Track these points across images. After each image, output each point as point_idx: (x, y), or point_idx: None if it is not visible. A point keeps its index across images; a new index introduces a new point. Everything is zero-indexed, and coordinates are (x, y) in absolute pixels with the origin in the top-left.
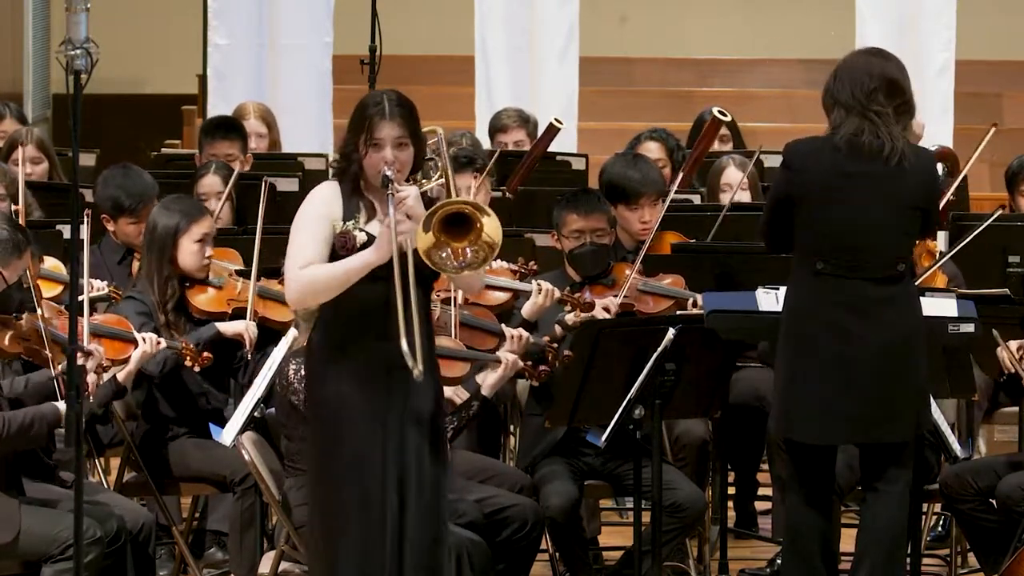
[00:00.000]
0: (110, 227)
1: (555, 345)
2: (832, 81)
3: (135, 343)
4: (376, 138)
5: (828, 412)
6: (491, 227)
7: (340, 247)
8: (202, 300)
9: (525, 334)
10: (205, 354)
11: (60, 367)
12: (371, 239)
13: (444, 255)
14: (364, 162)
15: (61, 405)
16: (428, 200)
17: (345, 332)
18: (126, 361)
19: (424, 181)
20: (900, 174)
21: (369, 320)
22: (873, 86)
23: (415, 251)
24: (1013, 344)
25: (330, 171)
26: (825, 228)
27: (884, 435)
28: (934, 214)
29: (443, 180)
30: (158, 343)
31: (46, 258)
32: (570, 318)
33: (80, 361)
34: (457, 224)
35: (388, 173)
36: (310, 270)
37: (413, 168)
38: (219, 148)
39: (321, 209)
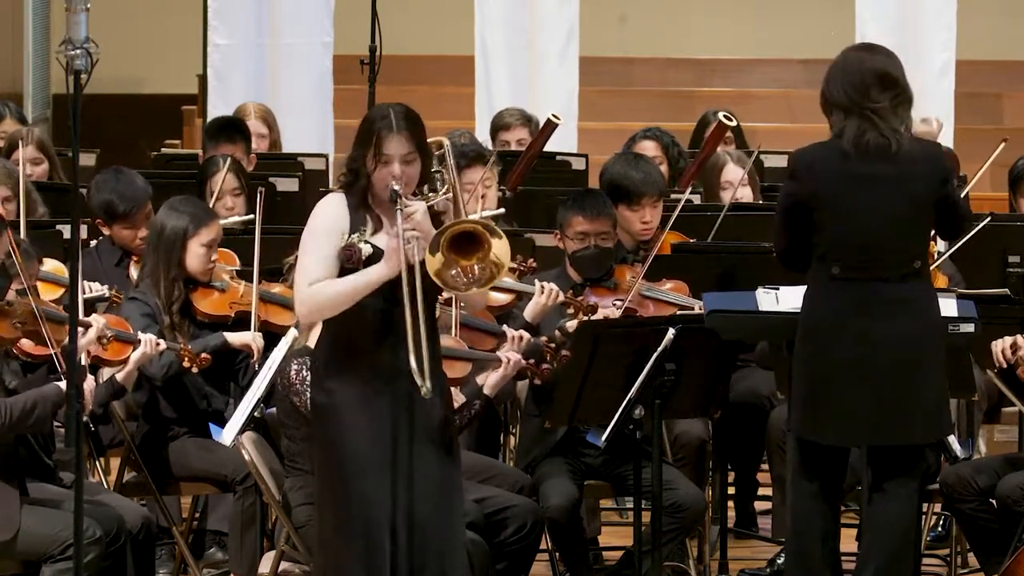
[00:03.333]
0: (105, 231)
1: (553, 345)
2: (826, 84)
3: (134, 344)
4: (384, 154)
5: (847, 413)
6: (500, 248)
7: (346, 260)
8: (206, 303)
9: (526, 335)
10: (203, 355)
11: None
12: (376, 251)
13: (454, 273)
14: (372, 177)
15: (63, 384)
16: (433, 213)
17: (350, 340)
18: (125, 362)
19: (431, 195)
20: (910, 169)
21: (374, 328)
22: (866, 82)
23: (423, 268)
24: (1008, 339)
25: (330, 173)
26: (839, 232)
27: (903, 437)
28: (954, 208)
29: (450, 194)
30: (157, 344)
31: (46, 260)
32: (570, 325)
33: (81, 335)
34: (465, 242)
35: (396, 188)
36: (319, 287)
37: (420, 181)
38: (223, 150)
39: (329, 224)
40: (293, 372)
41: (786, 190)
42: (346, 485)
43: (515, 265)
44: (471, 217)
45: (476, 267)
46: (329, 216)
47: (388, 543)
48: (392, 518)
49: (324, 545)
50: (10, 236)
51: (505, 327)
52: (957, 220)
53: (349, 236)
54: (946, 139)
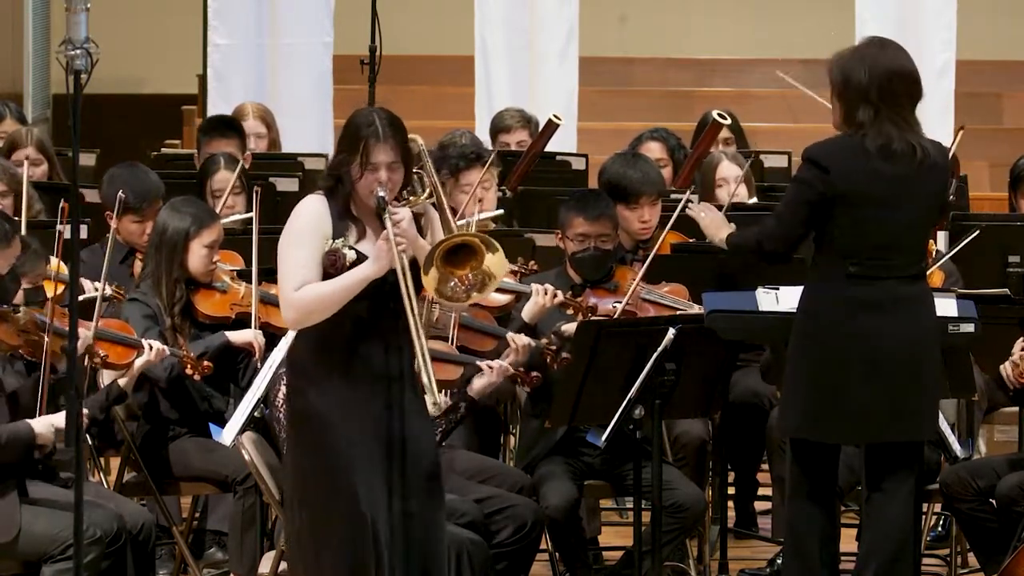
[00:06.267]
0: (113, 224)
1: (553, 347)
2: (849, 74)
3: (138, 348)
4: (371, 162)
5: (859, 413)
6: (493, 261)
7: (329, 266)
8: (207, 304)
9: (526, 341)
10: (205, 363)
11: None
12: (361, 258)
13: (452, 285)
14: (357, 184)
15: (37, 424)
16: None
17: (326, 348)
18: (129, 366)
19: (413, 199)
20: (927, 172)
21: (350, 336)
22: (901, 88)
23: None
24: (1011, 360)
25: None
26: (861, 231)
27: (902, 434)
28: (945, 208)
29: (432, 198)
30: (162, 351)
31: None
32: (566, 329)
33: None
34: (457, 253)
35: (383, 195)
36: (305, 291)
37: (402, 186)
38: (217, 147)
39: (312, 225)
40: (282, 394)
41: (809, 181)
42: (335, 493)
43: (516, 267)
44: (465, 231)
45: (470, 275)
46: (312, 218)
47: (376, 548)
48: (382, 524)
49: (307, 551)
50: (18, 240)
51: (510, 334)
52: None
53: (332, 242)
54: (946, 140)
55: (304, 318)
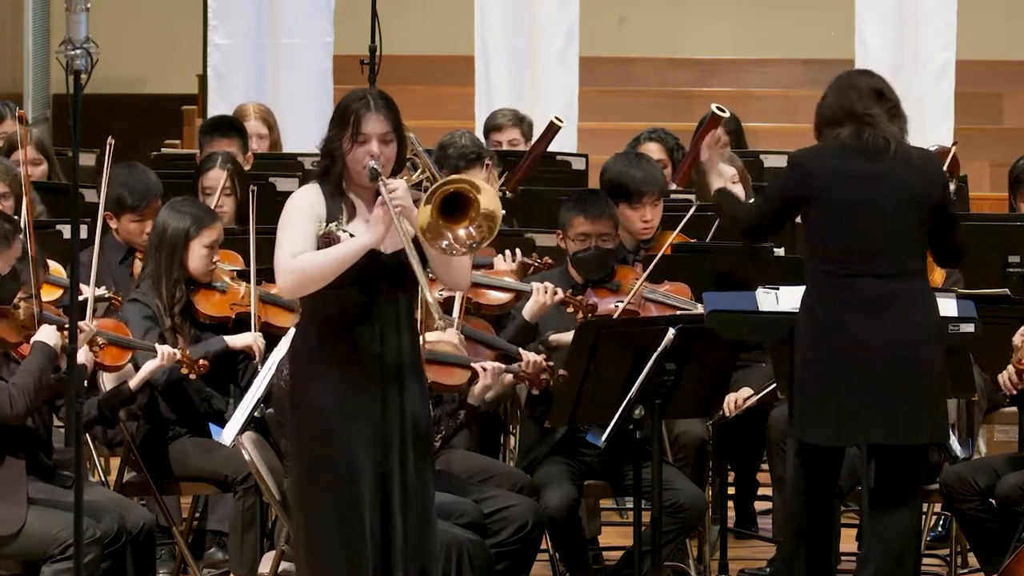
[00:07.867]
0: (112, 224)
1: (551, 363)
2: (819, 106)
3: (132, 349)
4: (362, 133)
5: (845, 414)
6: (487, 200)
7: (324, 247)
8: (207, 304)
9: (537, 358)
10: (201, 362)
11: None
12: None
13: (447, 244)
14: (348, 158)
15: (46, 336)
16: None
17: (326, 338)
18: (122, 367)
19: (408, 177)
20: (907, 171)
21: (350, 325)
22: (861, 95)
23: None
24: (1009, 368)
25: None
26: (835, 228)
27: (902, 437)
28: (952, 223)
29: (426, 174)
30: (173, 355)
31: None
32: (554, 340)
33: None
34: (454, 208)
35: (374, 165)
36: (303, 257)
37: (395, 168)
38: (218, 147)
39: (305, 208)
40: (286, 372)
41: (785, 180)
42: (332, 486)
43: (529, 260)
44: (451, 178)
45: (472, 228)
46: (305, 201)
47: (376, 540)
48: (379, 519)
49: (307, 546)
50: (32, 241)
51: (521, 350)
52: (956, 242)
53: (326, 224)
54: (946, 140)
55: (299, 284)
